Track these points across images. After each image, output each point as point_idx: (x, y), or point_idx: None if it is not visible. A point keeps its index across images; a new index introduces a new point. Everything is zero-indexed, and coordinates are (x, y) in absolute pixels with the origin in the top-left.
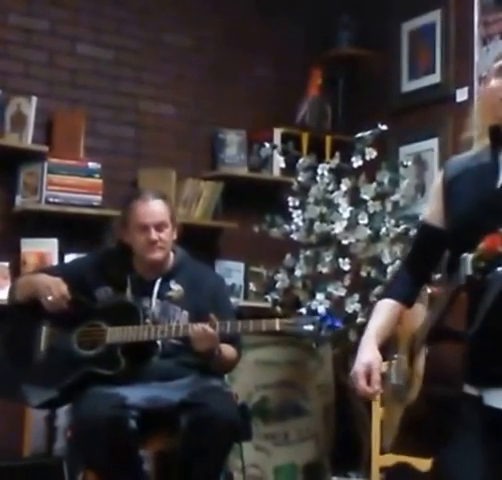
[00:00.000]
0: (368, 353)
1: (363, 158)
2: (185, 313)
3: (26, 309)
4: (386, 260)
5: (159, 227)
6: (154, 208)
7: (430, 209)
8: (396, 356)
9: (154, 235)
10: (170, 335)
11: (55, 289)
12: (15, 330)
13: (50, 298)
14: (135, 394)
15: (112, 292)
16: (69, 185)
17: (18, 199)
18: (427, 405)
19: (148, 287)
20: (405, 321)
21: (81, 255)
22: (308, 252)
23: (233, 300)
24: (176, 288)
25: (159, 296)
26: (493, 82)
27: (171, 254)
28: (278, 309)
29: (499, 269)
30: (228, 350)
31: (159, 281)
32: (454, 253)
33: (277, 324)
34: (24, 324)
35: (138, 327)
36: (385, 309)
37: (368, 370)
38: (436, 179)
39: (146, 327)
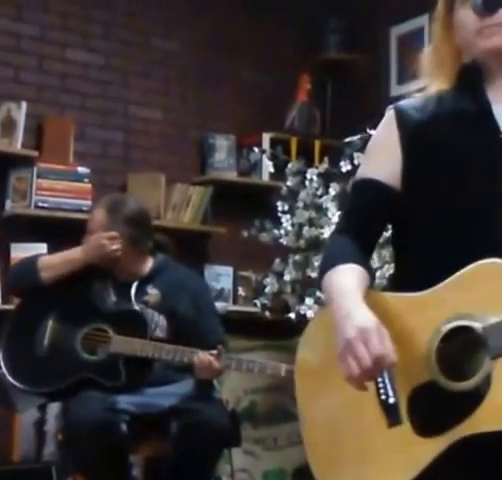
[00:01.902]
0: (362, 316)
1: (352, 163)
2: (162, 317)
3: (39, 296)
4: (375, 264)
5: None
6: (94, 217)
7: (378, 165)
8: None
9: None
10: (174, 358)
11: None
12: (22, 319)
13: (115, 247)
14: (126, 399)
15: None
16: (58, 190)
17: (8, 204)
18: None
19: (125, 290)
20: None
21: None
22: (297, 257)
23: (222, 304)
24: (153, 292)
25: (136, 300)
26: (462, 13)
27: (150, 259)
28: (267, 314)
29: None
30: None
31: (135, 285)
32: (411, 230)
33: (283, 370)
34: (32, 313)
35: (144, 342)
36: (350, 272)
37: (365, 337)
38: (384, 128)
39: (152, 344)
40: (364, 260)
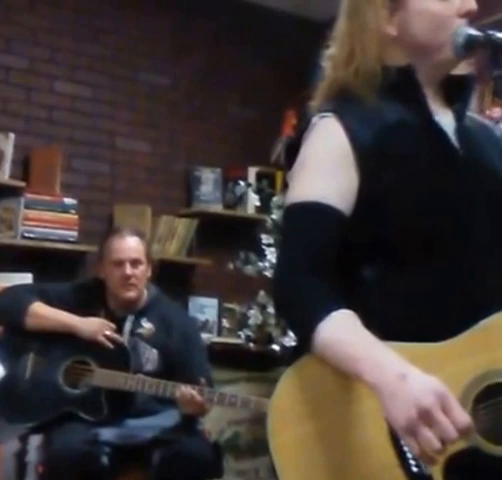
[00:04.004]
0: (424, 377)
1: None
2: (154, 351)
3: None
4: None
5: (134, 263)
6: (130, 244)
7: (327, 186)
8: None
9: (129, 270)
10: (157, 392)
11: (107, 328)
12: (3, 350)
13: (108, 333)
14: (108, 430)
15: None
16: (45, 220)
17: None
18: None
19: (120, 323)
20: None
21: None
22: None
23: (206, 336)
24: (147, 326)
25: (130, 333)
26: (441, 6)
27: (144, 291)
28: (251, 345)
29: None
30: None
31: (131, 318)
32: (376, 259)
33: (266, 406)
34: (13, 345)
35: (127, 375)
36: (355, 320)
37: (445, 404)
38: (329, 140)
39: (135, 377)
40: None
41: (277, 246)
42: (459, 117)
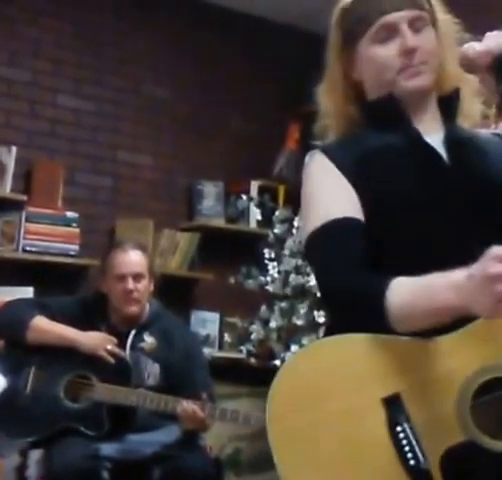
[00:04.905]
0: (476, 264)
1: None
2: (156, 366)
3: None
4: None
5: (136, 278)
6: (133, 258)
7: (340, 201)
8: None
9: (131, 285)
10: (158, 407)
11: (108, 342)
12: (4, 364)
13: (110, 347)
14: (109, 445)
15: None
16: (46, 234)
17: None
18: None
19: (122, 338)
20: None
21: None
22: (283, 304)
23: (207, 351)
24: (149, 340)
25: (132, 347)
26: (377, 51)
27: (146, 305)
28: (252, 360)
29: None
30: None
31: (133, 333)
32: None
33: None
34: (15, 359)
35: (128, 390)
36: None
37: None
38: (323, 171)
39: (136, 392)
40: None
41: (279, 260)
42: (448, 132)
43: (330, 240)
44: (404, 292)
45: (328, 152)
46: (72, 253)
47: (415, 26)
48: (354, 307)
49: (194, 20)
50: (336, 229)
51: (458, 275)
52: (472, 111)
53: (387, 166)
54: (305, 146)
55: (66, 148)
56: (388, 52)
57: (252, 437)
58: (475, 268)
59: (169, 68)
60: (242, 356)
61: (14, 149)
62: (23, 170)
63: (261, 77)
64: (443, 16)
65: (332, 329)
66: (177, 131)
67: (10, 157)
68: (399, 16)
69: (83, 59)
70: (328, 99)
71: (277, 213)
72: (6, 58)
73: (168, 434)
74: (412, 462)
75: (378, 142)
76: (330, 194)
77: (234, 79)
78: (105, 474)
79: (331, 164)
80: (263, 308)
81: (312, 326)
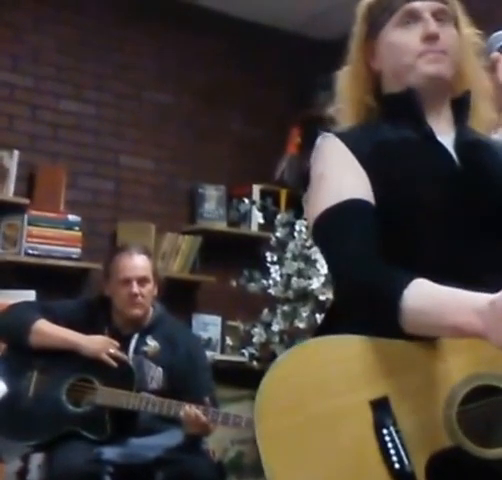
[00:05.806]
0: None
1: None
2: (159, 370)
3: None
4: None
5: (141, 282)
6: (138, 263)
7: (351, 183)
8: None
9: (136, 289)
10: (161, 411)
11: (110, 346)
12: (7, 368)
13: (112, 351)
14: (111, 449)
15: None
16: (49, 237)
17: None
18: None
19: (125, 341)
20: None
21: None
22: (285, 307)
23: (209, 354)
24: (152, 344)
25: (135, 351)
26: (399, 35)
27: (150, 309)
28: (255, 364)
29: None
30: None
31: (136, 336)
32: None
33: None
34: (17, 363)
35: (130, 394)
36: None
37: None
38: (337, 154)
39: (138, 396)
40: None
41: (281, 263)
42: (459, 134)
43: (346, 220)
44: (424, 298)
45: (342, 136)
46: (74, 256)
47: (438, 17)
48: (367, 297)
49: (196, 26)
50: (351, 210)
51: (482, 300)
52: (487, 116)
53: (404, 162)
54: (306, 150)
55: (68, 152)
56: (410, 36)
57: (255, 441)
58: (499, 297)
59: (171, 73)
60: (244, 359)
61: (16, 153)
62: (25, 174)
63: (263, 82)
64: (466, 24)
65: (331, 317)
66: (179, 135)
67: (12, 161)
68: (424, 4)
69: (85, 64)
70: (347, 84)
71: (279, 216)
72: (9, 63)
73: (171, 438)
74: (397, 465)
75: (394, 135)
76: (344, 175)
77: (236, 84)
78: (107, 478)
79: (343, 146)
80: (265, 311)
81: (314, 329)
